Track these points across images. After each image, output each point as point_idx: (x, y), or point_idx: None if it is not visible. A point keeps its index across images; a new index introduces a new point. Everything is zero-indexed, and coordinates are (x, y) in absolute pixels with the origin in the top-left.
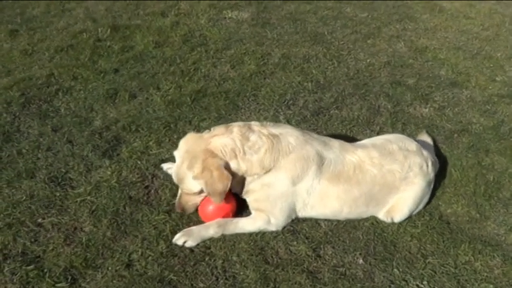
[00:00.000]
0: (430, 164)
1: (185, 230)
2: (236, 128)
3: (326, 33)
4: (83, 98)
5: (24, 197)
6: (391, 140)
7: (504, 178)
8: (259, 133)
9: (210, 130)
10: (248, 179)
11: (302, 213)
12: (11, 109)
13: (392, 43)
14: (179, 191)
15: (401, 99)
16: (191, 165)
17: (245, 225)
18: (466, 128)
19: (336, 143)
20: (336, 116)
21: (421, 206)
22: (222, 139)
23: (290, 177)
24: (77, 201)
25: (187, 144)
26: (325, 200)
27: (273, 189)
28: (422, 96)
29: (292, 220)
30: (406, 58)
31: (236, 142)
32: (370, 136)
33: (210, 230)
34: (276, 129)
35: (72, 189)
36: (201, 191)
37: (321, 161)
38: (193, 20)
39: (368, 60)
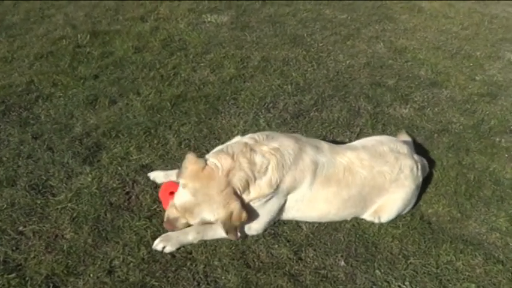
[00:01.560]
0: (420, 167)
1: (164, 235)
2: (241, 156)
3: (305, 35)
4: (63, 105)
5: (5, 205)
6: (383, 141)
7: (485, 177)
8: (261, 152)
9: (209, 157)
10: (256, 202)
11: (286, 216)
12: None
13: (372, 44)
14: (171, 207)
15: (381, 100)
16: (211, 209)
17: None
18: (446, 127)
19: (325, 146)
20: (316, 118)
21: (407, 209)
22: (238, 174)
23: (286, 189)
24: (57, 208)
25: (199, 182)
26: (313, 203)
27: (271, 203)
28: (402, 97)
29: (274, 223)
30: (385, 59)
31: (247, 172)
32: (350, 138)
33: (188, 236)
34: (273, 142)
35: (53, 196)
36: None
37: (315, 167)
38: (172, 25)
39: (347, 62)
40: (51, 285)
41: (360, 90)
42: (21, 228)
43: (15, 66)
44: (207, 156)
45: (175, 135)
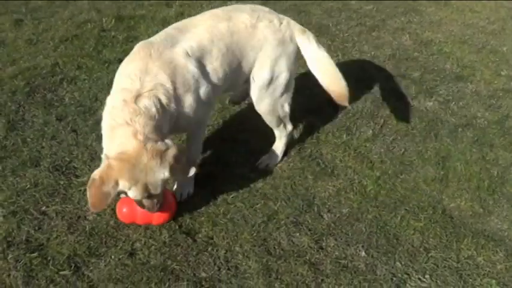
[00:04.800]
0: (285, 22)
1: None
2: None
3: (331, 25)
4: (88, 88)
5: (29, 185)
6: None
7: (508, 173)
8: (143, 97)
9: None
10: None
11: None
12: (15, 98)
13: (397, 36)
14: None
15: (405, 93)
16: (157, 170)
17: None
18: (470, 122)
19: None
20: (340, 108)
21: (282, 68)
22: (145, 125)
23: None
24: (80, 189)
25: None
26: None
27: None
28: (427, 90)
29: (296, 210)
30: (410, 51)
31: (150, 123)
32: (374, 129)
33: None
34: (148, 81)
35: (76, 177)
36: None
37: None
38: (197, 11)
39: (372, 53)
40: (73, 265)
41: (384, 81)
42: (44, 208)
43: (40, 48)
44: None
45: None
